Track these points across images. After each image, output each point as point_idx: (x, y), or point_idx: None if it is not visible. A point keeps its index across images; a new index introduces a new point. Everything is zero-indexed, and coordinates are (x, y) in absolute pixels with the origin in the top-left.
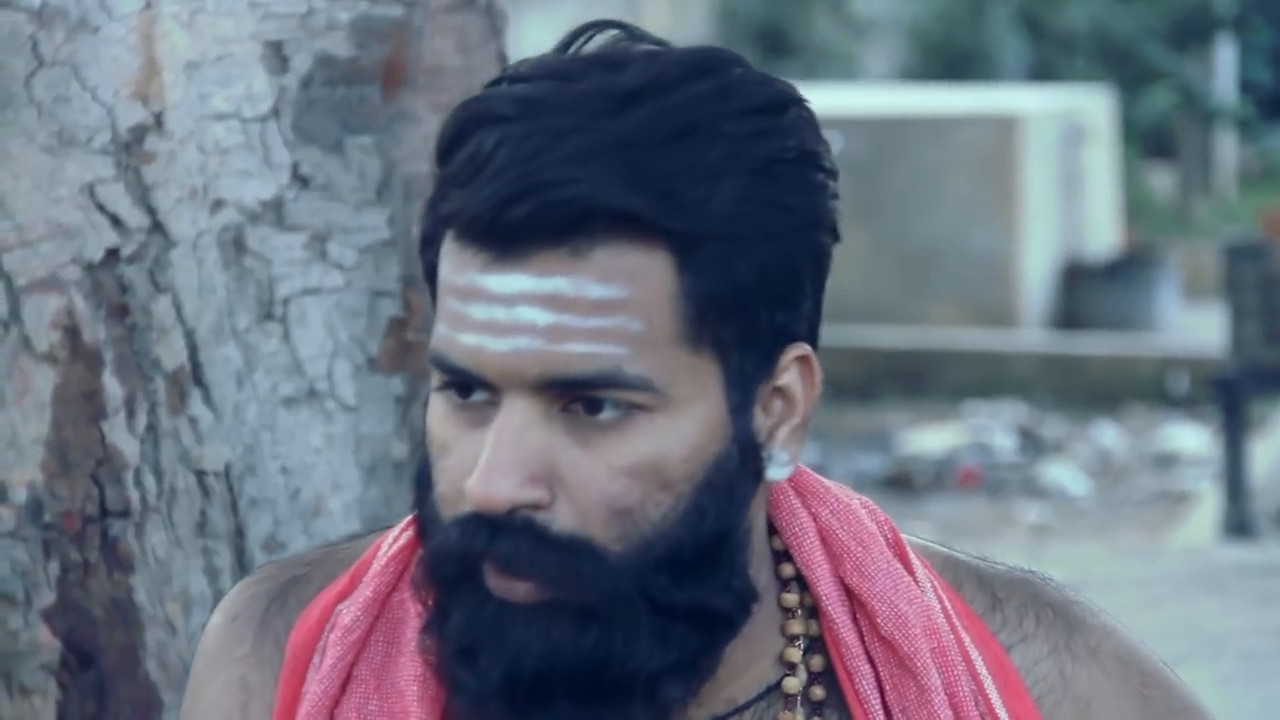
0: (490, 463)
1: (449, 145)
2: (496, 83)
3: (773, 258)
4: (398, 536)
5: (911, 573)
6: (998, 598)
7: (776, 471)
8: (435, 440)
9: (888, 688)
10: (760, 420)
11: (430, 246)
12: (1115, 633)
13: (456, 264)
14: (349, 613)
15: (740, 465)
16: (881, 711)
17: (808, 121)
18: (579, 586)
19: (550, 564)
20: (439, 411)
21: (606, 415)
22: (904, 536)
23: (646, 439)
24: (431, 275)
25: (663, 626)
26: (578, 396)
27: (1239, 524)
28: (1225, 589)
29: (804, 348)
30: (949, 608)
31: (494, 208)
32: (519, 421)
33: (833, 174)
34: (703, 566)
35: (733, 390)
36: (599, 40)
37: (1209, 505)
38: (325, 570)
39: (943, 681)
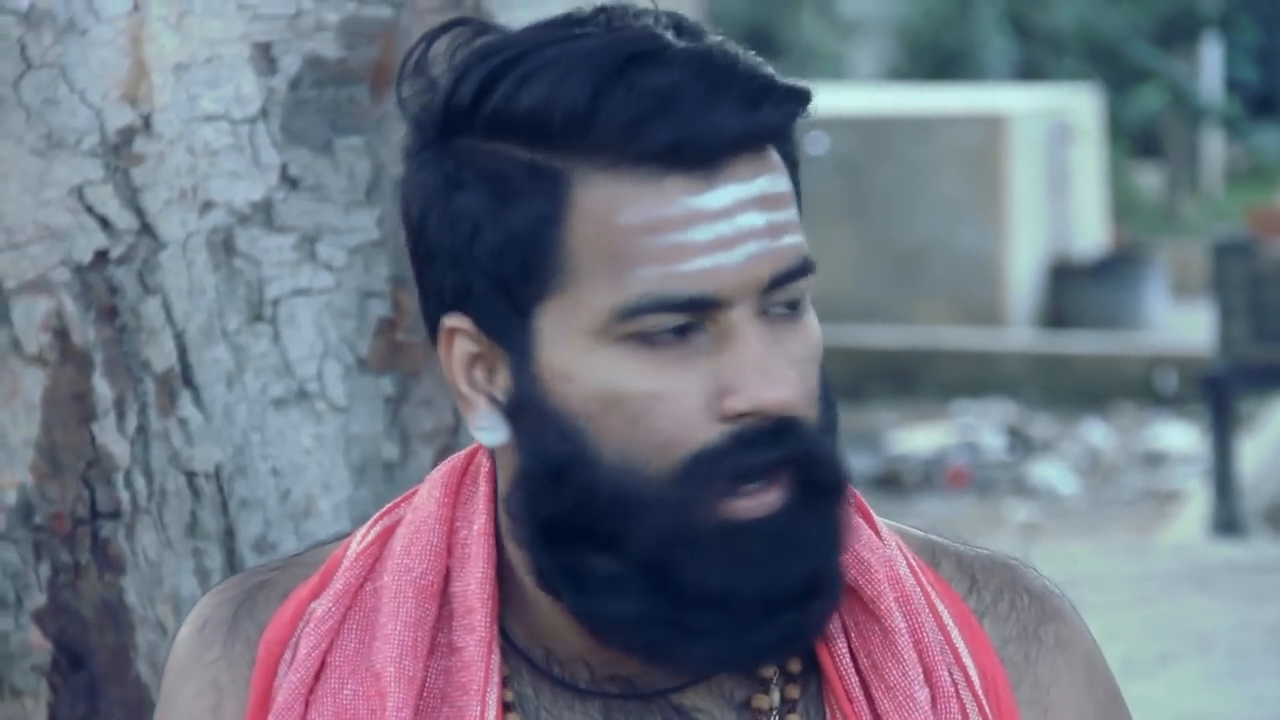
0: (773, 366)
1: (594, 100)
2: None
3: None
4: (365, 534)
5: (874, 529)
6: (976, 579)
7: None
8: (637, 395)
9: (853, 634)
10: None
11: (553, 207)
12: (1089, 639)
13: (655, 199)
14: (322, 605)
15: None
16: (848, 656)
17: None
18: (840, 475)
19: (835, 455)
20: (632, 368)
21: (799, 307)
22: (880, 519)
23: (813, 323)
24: (535, 242)
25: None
26: (786, 293)
27: (1228, 522)
28: (1214, 587)
29: None
30: (914, 565)
31: (717, 124)
32: (760, 325)
33: None
34: None
35: None
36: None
37: (1198, 503)
38: (292, 574)
39: (908, 627)
